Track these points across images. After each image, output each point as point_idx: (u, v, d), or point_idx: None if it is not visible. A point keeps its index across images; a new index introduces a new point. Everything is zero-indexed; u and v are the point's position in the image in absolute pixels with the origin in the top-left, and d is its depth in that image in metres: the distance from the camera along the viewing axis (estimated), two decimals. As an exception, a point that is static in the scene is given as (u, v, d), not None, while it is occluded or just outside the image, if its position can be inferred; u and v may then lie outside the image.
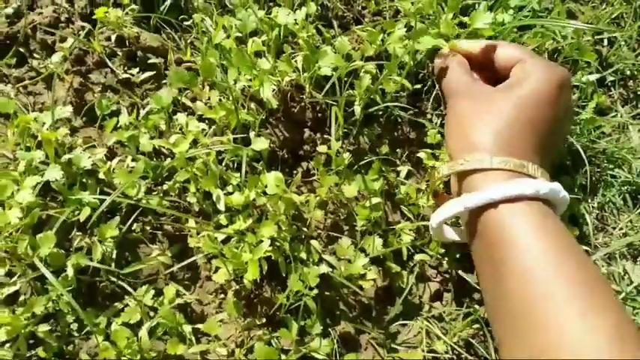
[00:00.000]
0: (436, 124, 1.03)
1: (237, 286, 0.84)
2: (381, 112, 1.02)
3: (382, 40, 0.98)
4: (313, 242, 0.89)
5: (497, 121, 0.76)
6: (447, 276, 0.97)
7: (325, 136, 1.00)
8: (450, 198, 0.81)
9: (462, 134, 0.78)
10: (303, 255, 0.86)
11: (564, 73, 0.80)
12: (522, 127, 0.75)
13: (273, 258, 0.82)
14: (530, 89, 0.77)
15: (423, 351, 0.90)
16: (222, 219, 0.84)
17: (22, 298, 0.80)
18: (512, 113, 0.76)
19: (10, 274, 0.79)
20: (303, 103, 0.99)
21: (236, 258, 0.77)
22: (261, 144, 0.88)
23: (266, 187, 0.86)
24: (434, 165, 0.97)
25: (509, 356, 0.66)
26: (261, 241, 0.80)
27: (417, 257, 0.94)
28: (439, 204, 0.81)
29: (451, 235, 0.89)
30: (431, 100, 1.03)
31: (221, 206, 0.82)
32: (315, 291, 0.81)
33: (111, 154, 0.89)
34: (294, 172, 0.99)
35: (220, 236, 0.84)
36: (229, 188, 0.88)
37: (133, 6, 0.96)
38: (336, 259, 0.91)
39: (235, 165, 0.92)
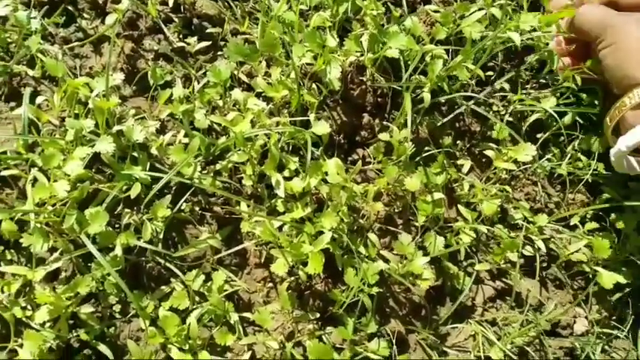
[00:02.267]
0: (503, 116, 0.96)
1: (291, 278, 0.79)
2: (443, 101, 0.96)
3: (455, 22, 0.92)
4: (371, 236, 0.84)
5: None
6: (504, 282, 0.92)
7: (385, 122, 0.94)
8: None
9: None
10: (362, 249, 0.81)
11: None
12: None
13: (330, 250, 0.77)
14: None
15: (475, 356, 0.86)
16: (279, 206, 0.79)
17: (62, 275, 0.75)
18: None
19: (51, 249, 0.74)
20: (363, 86, 0.92)
21: (296, 249, 0.72)
22: (322, 128, 0.82)
23: (326, 174, 0.80)
24: (509, 159, 0.90)
25: None
26: (322, 232, 0.75)
27: (479, 267, 0.88)
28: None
29: (636, 165, 0.82)
30: (498, 91, 0.97)
31: (281, 192, 0.77)
32: (375, 289, 0.76)
33: (162, 128, 0.83)
34: (349, 158, 0.93)
35: (275, 223, 0.78)
36: (286, 173, 0.82)
37: (192, -31, 0.89)
38: (391, 254, 0.85)
39: (291, 147, 0.87)
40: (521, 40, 0.87)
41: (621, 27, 0.78)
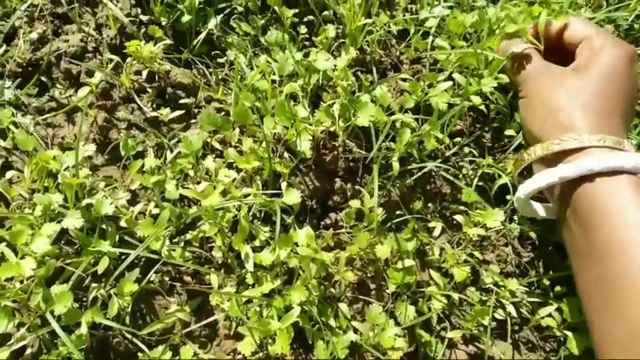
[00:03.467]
0: (472, 179, 0.98)
1: (261, 353, 0.78)
2: (414, 166, 0.97)
3: (423, 91, 0.94)
4: (342, 306, 0.84)
5: (582, 98, 0.75)
6: (476, 346, 0.92)
7: (357, 187, 0.95)
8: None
9: (549, 114, 0.77)
10: (332, 321, 0.80)
11: (632, 48, 0.80)
12: (607, 102, 0.75)
13: (300, 324, 0.77)
14: (606, 65, 0.77)
15: None
16: (249, 278, 0.79)
17: (28, 351, 0.74)
18: (595, 89, 0.75)
19: (18, 325, 0.73)
20: (335, 152, 0.94)
21: (263, 326, 0.72)
22: (293, 197, 0.83)
23: (296, 244, 0.81)
24: (475, 221, 0.92)
25: (601, 335, 0.65)
26: (291, 307, 0.75)
27: (451, 334, 0.89)
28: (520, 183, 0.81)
29: (537, 210, 0.86)
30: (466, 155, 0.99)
31: (249, 266, 0.77)
32: (346, 363, 0.75)
33: (133, 198, 0.83)
34: (322, 222, 0.94)
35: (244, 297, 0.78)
36: (257, 242, 0.83)
37: (167, 40, 0.91)
38: (362, 323, 0.85)
39: (263, 215, 0.87)
40: (485, 104, 0.90)
41: (533, 80, 0.81)
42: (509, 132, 0.99)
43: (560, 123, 0.74)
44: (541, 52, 0.86)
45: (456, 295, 0.89)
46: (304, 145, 0.82)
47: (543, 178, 0.74)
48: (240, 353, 0.82)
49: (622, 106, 0.76)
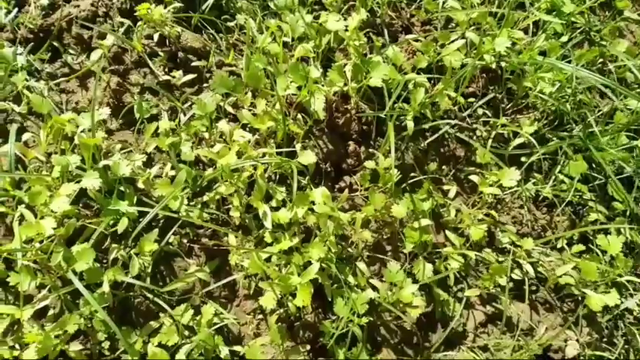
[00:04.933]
0: (486, 140, 0.98)
1: (281, 310, 0.78)
2: (427, 127, 0.97)
3: (435, 51, 0.93)
4: (360, 264, 0.84)
5: None
6: (494, 306, 0.92)
7: (370, 150, 0.95)
8: None
9: None
10: (350, 278, 0.81)
11: None
12: None
13: (320, 281, 0.77)
14: None
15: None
16: (267, 236, 0.79)
17: (50, 312, 0.74)
18: None
19: (39, 286, 0.73)
20: (348, 115, 0.94)
21: (284, 281, 0.72)
22: (308, 157, 0.82)
23: (313, 203, 0.81)
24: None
25: None
26: (310, 263, 0.75)
27: (468, 292, 0.88)
28: None
29: None
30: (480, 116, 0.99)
31: (268, 224, 0.77)
32: (365, 319, 0.76)
33: (149, 161, 0.83)
34: (336, 186, 0.94)
35: (263, 255, 0.78)
36: (273, 203, 0.83)
37: (176, 3, 0.90)
38: (380, 282, 0.86)
39: (278, 177, 0.87)
40: (497, 63, 0.89)
41: None
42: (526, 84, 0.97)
43: None
44: None
45: (472, 254, 0.89)
46: (318, 105, 0.81)
47: None
48: (260, 312, 0.82)
49: None
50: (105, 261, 0.77)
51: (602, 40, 1.12)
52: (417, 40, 0.96)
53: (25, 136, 0.78)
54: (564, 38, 1.05)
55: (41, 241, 0.72)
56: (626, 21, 1.23)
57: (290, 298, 0.76)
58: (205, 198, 0.82)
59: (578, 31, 1.11)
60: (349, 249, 0.86)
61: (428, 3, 1.02)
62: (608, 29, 1.14)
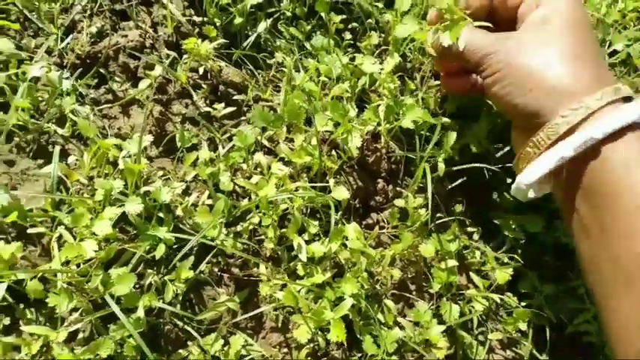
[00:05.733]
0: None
1: (310, 344, 0.79)
2: (455, 169, 1.00)
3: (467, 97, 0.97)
4: (388, 302, 0.85)
5: (559, 49, 0.67)
6: (515, 351, 0.93)
7: (398, 188, 0.97)
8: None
9: (531, 80, 0.67)
10: (380, 316, 0.81)
11: None
12: (584, 48, 0.68)
13: (349, 317, 0.78)
14: (565, 11, 0.70)
15: None
16: (300, 269, 0.80)
17: (80, 336, 0.74)
18: (568, 39, 0.68)
19: (71, 309, 0.74)
20: (378, 153, 0.96)
21: (317, 315, 0.73)
22: (342, 193, 0.85)
23: (345, 238, 0.82)
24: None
25: (619, 323, 0.59)
26: (341, 298, 0.76)
27: (491, 336, 0.89)
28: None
29: (530, 192, 0.77)
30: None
31: (303, 256, 0.78)
32: (394, 357, 0.76)
33: (185, 189, 0.85)
34: (363, 222, 0.95)
35: (295, 287, 0.79)
36: (305, 236, 0.84)
37: (220, 40, 0.94)
38: (406, 320, 0.86)
39: (309, 210, 0.89)
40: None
41: (496, 52, 0.72)
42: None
43: (549, 84, 0.66)
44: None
45: (496, 297, 0.90)
46: (355, 143, 0.84)
47: (545, 162, 0.66)
48: (286, 346, 0.82)
49: (597, 48, 0.71)
50: (136, 286, 0.77)
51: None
52: (447, 86, 1.00)
53: (71, 159, 0.80)
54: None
55: (78, 264, 0.73)
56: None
57: (320, 333, 0.77)
58: (239, 228, 0.84)
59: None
60: (376, 286, 0.87)
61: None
62: None
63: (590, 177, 0.64)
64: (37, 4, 0.93)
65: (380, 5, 1.07)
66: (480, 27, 0.75)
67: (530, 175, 0.69)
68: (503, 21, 0.80)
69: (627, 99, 0.66)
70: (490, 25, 0.75)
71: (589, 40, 0.70)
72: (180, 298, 0.78)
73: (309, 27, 1.04)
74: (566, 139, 0.65)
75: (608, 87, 0.65)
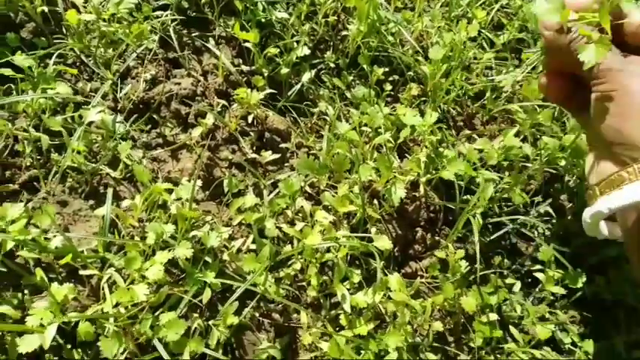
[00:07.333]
0: (549, 238, 1.01)
1: (352, 396, 0.78)
2: (493, 221, 1.00)
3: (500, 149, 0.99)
4: (430, 355, 0.84)
5: None
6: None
7: (437, 237, 0.98)
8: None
9: None
10: (422, 369, 0.81)
11: None
12: None
13: (392, 370, 0.78)
14: None
15: None
16: (343, 319, 0.80)
17: (123, 379, 0.75)
18: None
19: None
20: (418, 202, 0.97)
21: (362, 368, 0.73)
22: (384, 243, 0.85)
23: (388, 289, 0.83)
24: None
25: None
26: (385, 350, 0.76)
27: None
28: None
29: (602, 229, 0.73)
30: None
31: (347, 307, 0.79)
32: (439, 414, 0.75)
33: (231, 233, 0.87)
34: (402, 271, 0.96)
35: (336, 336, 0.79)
36: (347, 285, 0.85)
37: (268, 90, 0.97)
38: (446, 374, 0.85)
39: (349, 258, 0.90)
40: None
41: (621, 74, 0.67)
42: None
43: None
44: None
45: (537, 353, 0.89)
46: (398, 193, 0.85)
47: (629, 194, 0.63)
48: (325, 397, 0.82)
49: None
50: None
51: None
52: (481, 136, 1.02)
53: (125, 203, 0.83)
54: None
55: (126, 307, 0.75)
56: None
57: (363, 385, 0.76)
58: (281, 274, 0.84)
59: None
60: (418, 338, 0.86)
61: (490, 103, 1.09)
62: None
63: None
64: (93, 50, 0.98)
65: (420, 59, 1.10)
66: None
67: (621, 198, 0.64)
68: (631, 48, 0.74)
69: None
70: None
71: None
72: (223, 342, 0.79)
73: (350, 77, 1.08)
74: None
75: None
